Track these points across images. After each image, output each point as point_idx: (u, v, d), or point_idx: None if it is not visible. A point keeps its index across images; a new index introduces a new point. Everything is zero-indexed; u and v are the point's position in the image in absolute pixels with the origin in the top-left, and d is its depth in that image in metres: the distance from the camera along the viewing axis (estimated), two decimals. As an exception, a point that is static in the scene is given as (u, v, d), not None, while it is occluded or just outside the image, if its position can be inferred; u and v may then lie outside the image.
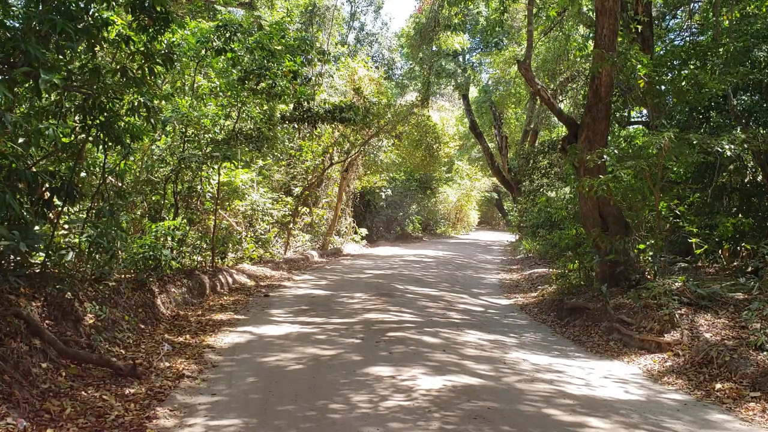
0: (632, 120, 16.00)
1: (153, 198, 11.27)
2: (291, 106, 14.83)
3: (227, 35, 10.76)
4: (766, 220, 11.28)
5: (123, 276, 8.11)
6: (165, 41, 7.31)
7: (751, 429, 5.09)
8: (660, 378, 6.63)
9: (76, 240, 7.03)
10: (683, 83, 10.21)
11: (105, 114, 6.40)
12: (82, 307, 6.36)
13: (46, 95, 6.24)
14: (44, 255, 6.39)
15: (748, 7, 12.53)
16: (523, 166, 24.25)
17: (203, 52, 10.94)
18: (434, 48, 23.19)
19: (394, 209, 29.11)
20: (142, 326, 7.39)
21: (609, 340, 8.42)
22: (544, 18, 16.21)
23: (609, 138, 10.82)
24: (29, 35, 5.19)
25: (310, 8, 22.95)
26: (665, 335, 7.54)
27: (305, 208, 19.83)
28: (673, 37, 17.05)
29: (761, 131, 9.04)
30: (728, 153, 8.32)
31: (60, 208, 6.90)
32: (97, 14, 6.29)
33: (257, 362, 6.54)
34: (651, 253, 9.55)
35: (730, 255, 11.65)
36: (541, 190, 20.86)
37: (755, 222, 10.70)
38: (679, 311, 7.70)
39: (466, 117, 29.86)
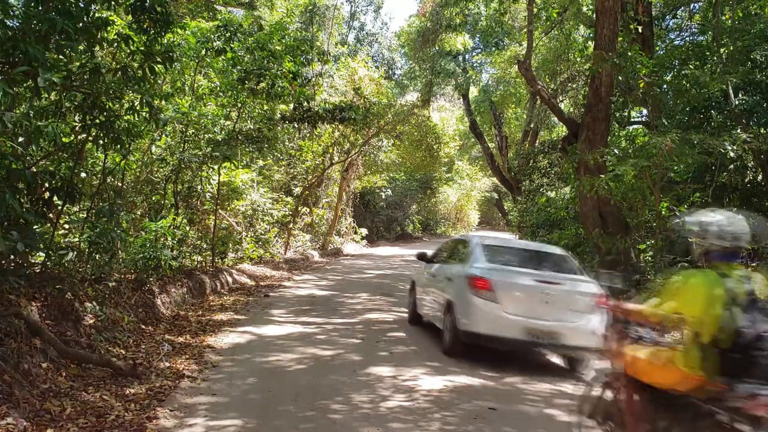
0: (632, 120, 16.01)
1: (153, 198, 11.26)
2: (291, 106, 14.83)
3: (227, 35, 10.74)
4: (766, 220, 11.26)
5: (123, 276, 8.09)
6: (166, 41, 7.28)
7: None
8: (660, 378, 6.61)
9: (76, 240, 7.02)
10: (683, 83, 10.20)
11: (105, 113, 6.39)
12: (82, 307, 6.35)
13: (46, 95, 6.23)
14: (44, 255, 6.37)
15: (750, 6, 12.52)
16: (523, 166, 24.22)
17: (203, 52, 10.93)
18: (435, 48, 23.18)
19: (394, 209, 29.10)
20: (142, 326, 7.38)
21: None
22: (544, 18, 16.20)
23: (609, 138, 10.81)
24: (29, 35, 5.17)
25: (310, 8, 22.93)
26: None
27: (305, 208, 19.82)
28: (673, 37, 17.05)
29: (762, 131, 9.03)
30: (731, 154, 8.32)
31: (60, 208, 6.89)
32: (97, 14, 6.28)
33: (257, 362, 6.53)
34: (651, 253, 9.55)
35: (730, 255, 11.62)
36: (541, 190, 20.85)
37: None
38: (679, 311, 7.67)
39: (466, 117, 29.82)
